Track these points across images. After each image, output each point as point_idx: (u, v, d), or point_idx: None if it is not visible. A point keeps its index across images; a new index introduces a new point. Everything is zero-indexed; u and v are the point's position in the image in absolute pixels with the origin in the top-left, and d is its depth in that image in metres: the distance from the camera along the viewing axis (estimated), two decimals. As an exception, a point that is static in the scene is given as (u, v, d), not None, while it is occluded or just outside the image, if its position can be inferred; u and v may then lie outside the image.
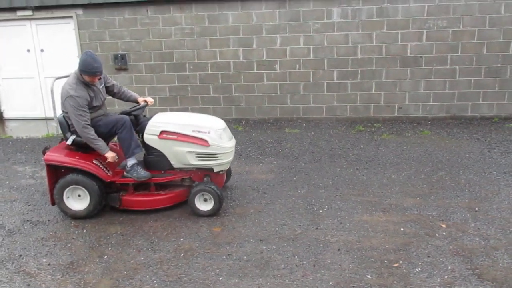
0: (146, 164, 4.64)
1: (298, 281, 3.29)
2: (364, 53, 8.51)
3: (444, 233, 3.89)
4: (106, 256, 3.75)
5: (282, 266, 3.49)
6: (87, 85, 4.40)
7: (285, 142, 7.10)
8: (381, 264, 3.45)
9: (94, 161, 4.48)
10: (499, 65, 8.23)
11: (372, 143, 6.88)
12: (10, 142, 7.63)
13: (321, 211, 4.47)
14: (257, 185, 5.24)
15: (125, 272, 3.49)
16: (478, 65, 8.29)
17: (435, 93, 8.49)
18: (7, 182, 5.70)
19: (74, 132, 4.51)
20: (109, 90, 4.81)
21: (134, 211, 4.53)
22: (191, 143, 4.42)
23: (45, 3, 8.90)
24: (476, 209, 4.36)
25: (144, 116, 4.83)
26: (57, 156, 4.43)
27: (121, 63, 8.99)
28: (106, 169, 4.51)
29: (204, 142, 4.41)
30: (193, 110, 8.95)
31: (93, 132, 4.33)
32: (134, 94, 4.86)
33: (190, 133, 4.44)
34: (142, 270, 3.51)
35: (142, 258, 3.69)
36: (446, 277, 3.25)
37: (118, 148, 5.00)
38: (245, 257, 3.65)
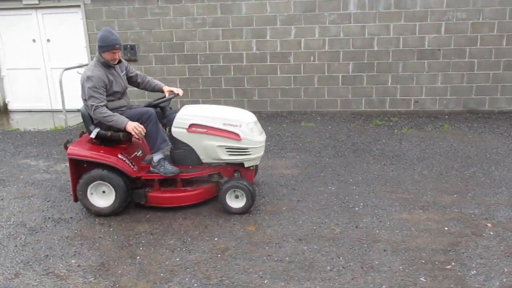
0: (172, 159, 4.42)
1: (348, 284, 3.11)
2: (380, 45, 8.31)
3: (491, 233, 3.72)
4: (138, 257, 3.54)
5: (328, 268, 3.30)
6: (107, 67, 4.21)
7: (303, 136, 6.90)
8: (433, 266, 3.28)
9: (120, 156, 4.26)
10: (519, 59, 8.04)
11: (393, 137, 6.70)
12: (19, 135, 7.37)
13: (357, 209, 4.28)
14: (284, 181, 5.04)
15: (162, 275, 3.29)
16: (497, 58, 8.13)
17: (452, 86, 8.33)
18: (21, 176, 5.46)
19: (97, 124, 4.27)
20: (133, 81, 4.58)
21: (160, 208, 4.33)
22: (222, 137, 4.21)
23: (52, -9, 8.61)
24: (518, 207, 4.20)
25: (170, 108, 4.59)
26: (81, 150, 4.20)
27: (130, 54, 8.73)
28: (132, 164, 4.29)
29: (235, 136, 4.20)
30: (204, 103, 8.72)
31: (105, 109, 4.10)
32: (159, 83, 4.64)
33: (221, 126, 4.22)
34: (179, 272, 3.31)
35: (178, 259, 3.49)
36: (504, 280, 3.08)
37: (140, 141, 4.78)
38: (287, 258, 3.46)
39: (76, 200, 4.35)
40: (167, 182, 4.48)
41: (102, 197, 4.29)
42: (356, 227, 3.93)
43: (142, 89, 4.66)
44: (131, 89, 4.73)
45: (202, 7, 8.45)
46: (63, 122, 7.98)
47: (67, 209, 4.49)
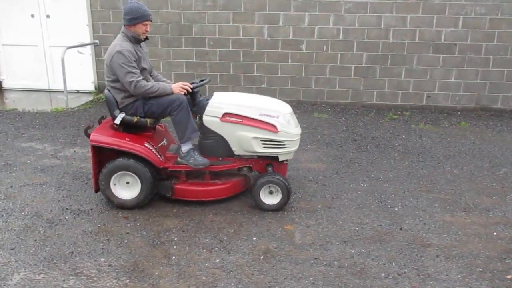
0: (201, 149, 4.12)
1: (408, 293, 2.88)
2: (396, 37, 8.08)
3: (544, 240, 3.55)
4: (174, 257, 3.26)
5: (383, 274, 3.08)
6: (135, 42, 3.93)
7: (320, 128, 6.66)
8: (492, 275, 3.09)
9: (146, 145, 3.93)
10: (535, 57, 7.92)
11: (412, 133, 6.51)
12: (18, 116, 6.93)
13: (396, 209, 4.07)
14: (312, 176, 4.80)
15: (204, 278, 3.02)
16: (513, 56, 7.97)
17: (466, 82, 8.17)
18: (28, 161, 5.08)
19: (123, 109, 3.93)
20: None
21: (186, 202, 4.05)
22: (258, 128, 3.93)
23: (55, -37, 8.09)
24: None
25: (200, 95, 4.28)
26: (105, 137, 3.87)
27: (134, 34, 8.25)
28: (158, 154, 3.97)
29: (272, 128, 3.93)
30: (211, 89, 8.38)
31: (145, 82, 3.82)
32: (167, 82, 4.27)
33: (257, 117, 3.94)
34: (222, 276, 3.04)
35: (217, 261, 3.22)
36: None
37: (164, 129, 4.46)
38: (335, 262, 3.22)
39: (97, 190, 4.02)
40: (192, 174, 4.18)
41: (126, 188, 3.98)
42: (401, 229, 3.72)
43: None
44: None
45: (214, -12, 8.06)
46: (64, 103, 7.55)
47: (85, 199, 4.15)
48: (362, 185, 4.60)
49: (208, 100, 4.08)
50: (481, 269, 3.18)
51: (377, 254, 3.33)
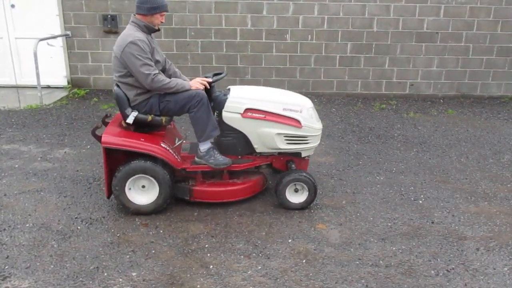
0: (219, 147, 3.88)
1: (464, 290, 2.81)
2: (380, 26, 8.07)
3: None
4: (211, 266, 3.03)
5: (433, 272, 3.00)
6: (148, 33, 3.66)
7: (315, 119, 6.51)
8: (538, 266, 3.07)
9: (162, 144, 3.64)
10: (510, 45, 8.16)
11: (405, 122, 6.53)
12: (-11, 115, 6.33)
13: (420, 202, 4.02)
14: (325, 170, 4.68)
15: None
16: (491, 44, 8.19)
17: (447, 70, 8.31)
18: (16, 166, 4.63)
19: (135, 107, 3.62)
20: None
21: (206, 205, 3.81)
22: (281, 123, 3.73)
23: None
24: None
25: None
26: (118, 139, 3.54)
27: (111, 25, 7.83)
28: (175, 154, 3.70)
29: (296, 123, 3.75)
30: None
31: (163, 77, 3.56)
32: (184, 79, 3.99)
33: (281, 111, 3.74)
34: (270, 285, 2.85)
35: (259, 267, 3.02)
36: None
37: (172, 127, 4.17)
38: (381, 261, 3.11)
39: (109, 196, 3.69)
40: (207, 174, 3.93)
41: (142, 193, 3.68)
42: (432, 222, 3.66)
43: None
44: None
45: (195, -25, 7.71)
46: (37, 99, 7.00)
47: (93, 206, 3.81)
48: (378, 178, 4.51)
49: (225, 95, 3.82)
50: (524, 260, 3.15)
51: (419, 251, 3.25)
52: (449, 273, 3.00)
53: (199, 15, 7.93)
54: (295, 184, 3.78)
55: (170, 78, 3.77)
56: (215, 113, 3.85)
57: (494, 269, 3.05)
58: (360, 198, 4.06)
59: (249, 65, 8.32)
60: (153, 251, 3.18)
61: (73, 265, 3.01)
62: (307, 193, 3.78)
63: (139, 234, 3.40)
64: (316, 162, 4.89)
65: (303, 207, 3.81)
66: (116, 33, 7.91)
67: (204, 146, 3.73)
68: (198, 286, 2.84)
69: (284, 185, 3.75)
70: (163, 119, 3.69)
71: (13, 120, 6.12)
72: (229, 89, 3.94)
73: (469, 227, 3.59)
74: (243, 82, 8.17)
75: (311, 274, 2.96)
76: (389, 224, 3.62)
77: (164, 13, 3.60)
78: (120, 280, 2.87)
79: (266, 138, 3.76)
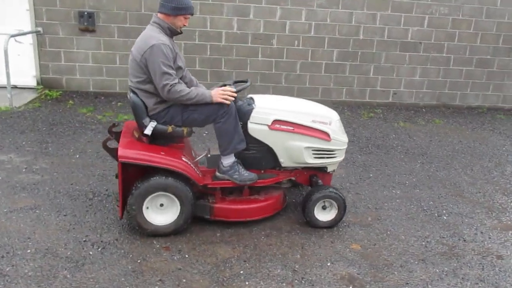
0: (241, 161, 3.58)
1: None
2: (366, 34, 8.05)
3: None
4: (254, 296, 2.73)
5: (486, 296, 2.86)
6: (171, 35, 3.32)
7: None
8: None
9: (184, 159, 3.30)
10: (489, 57, 8.41)
11: (399, 131, 6.51)
12: (-45, 119, 5.65)
13: (445, 218, 3.93)
14: (339, 183, 4.50)
15: (305, 320, 2.54)
16: (471, 55, 8.39)
17: (429, 80, 8.42)
18: (0, 177, 4.08)
19: (154, 117, 3.26)
20: None
21: (229, 224, 3.51)
22: (310, 136, 3.50)
23: None
24: None
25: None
26: (137, 153, 3.16)
27: (87, 23, 7.29)
28: (197, 169, 3.37)
29: (325, 136, 3.53)
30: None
31: (182, 86, 3.22)
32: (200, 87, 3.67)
33: (310, 124, 3.51)
34: (323, 315, 2.59)
35: (306, 296, 2.75)
36: None
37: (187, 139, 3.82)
38: (430, 286, 2.94)
39: (122, 216, 3.29)
40: (226, 190, 3.63)
41: (160, 212, 3.30)
42: (464, 240, 3.55)
43: None
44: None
45: (181, -26, 7.30)
46: (7, 101, 6.36)
47: (101, 226, 3.40)
48: (394, 192, 4.38)
49: (249, 104, 3.53)
50: None
51: (463, 273, 3.12)
52: (501, 297, 2.86)
53: (183, 16, 7.51)
54: (323, 201, 3.55)
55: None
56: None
57: (543, 291, 2.95)
58: (384, 214, 3.90)
59: (234, 70, 8.04)
60: (184, 280, 2.84)
61: (95, 300, 2.60)
62: (336, 210, 3.57)
63: (162, 260, 3.03)
64: (326, 175, 4.67)
65: (331, 225, 3.59)
66: (93, 31, 7.39)
67: (228, 160, 3.43)
68: (246, 321, 2.52)
69: (313, 203, 3.51)
70: (185, 130, 3.35)
71: (-17, 125, 5.49)
72: (251, 98, 3.65)
73: (501, 245, 3.51)
74: (228, 87, 7.84)
75: (363, 303, 2.72)
76: (423, 243, 3.47)
77: (189, 16, 3.26)
78: (156, 316, 2.51)
79: (294, 151, 3.51)
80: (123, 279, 2.81)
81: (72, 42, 7.40)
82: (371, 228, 3.64)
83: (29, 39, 7.21)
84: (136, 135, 3.43)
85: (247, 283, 2.86)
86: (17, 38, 7.08)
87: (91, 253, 3.07)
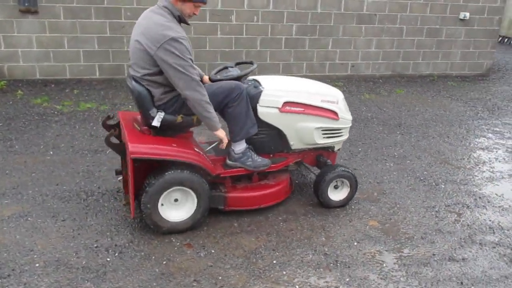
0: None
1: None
2: (324, 7, 8.05)
3: None
4: (297, 287, 2.66)
5: None
6: (180, 24, 3.01)
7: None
8: None
9: (196, 149, 3.11)
10: (438, 26, 8.76)
11: (368, 103, 6.65)
12: None
13: (442, 186, 4.10)
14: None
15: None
16: (422, 25, 8.69)
17: (384, 51, 8.64)
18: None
19: (161, 107, 3.01)
20: None
21: (243, 212, 3.37)
22: (320, 116, 3.44)
23: None
24: None
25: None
26: (149, 148, 2.92)
27: (28, 3, 6.63)
28: (208, 159, 3.19)
29: (333, 115, 3.48)
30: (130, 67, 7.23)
31: (211, 105, 2.97)
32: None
33: (319, 104, 3.43)
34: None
35: (348, 279, 2.76)
36: None
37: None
38: (459, 256, 3.03)
39: (134, 215, 3.05)
40: (233, 178, 3.49)
41: (176, 208, 3.10)
42: (468, 207, 3.70)
43: None
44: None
45: None
46: None
47: (108, 229, 3.13)
48: (388, 165, 4.48)
49: (256, 87, 3.38)
50: None
51: (479, 239, 3.26)
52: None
53: (135, -7, 7.06)
54: (336, 181, 3.52)
55: None
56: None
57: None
58: (387, 188, 3.96)
59: (193, 49, 7.66)
60: (220, 278, 2.70)
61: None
62: (348, 189, 3.56)
63: (189, 258, 2.86)
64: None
65: (343, 204, 3.58)
66: (35, 12, 6.71)
67: (239, 147, 3.27)
68: (298, 312, 2.45)
69: (327, 183, 3.46)
70: (194, 118, 3.13)
71: None
72: (255, 80, 3.48)
73: (501, 207, 3.69)
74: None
75: (403, 280, 2.75)
76: (433, 213, 3.57)
77: (201, 4, 2.97)
78: (205, 320, 2.36)
79: (305, 133, 3.42)
80: (154, 283, 2.61)
81: (12, 26, 6.70)
82: (380, 203, 3.67)
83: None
84: (138, 128, 3.15)
85: (284, 272, 2.77)
86: None
87: (108, 259, 2.81)
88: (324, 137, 3.50)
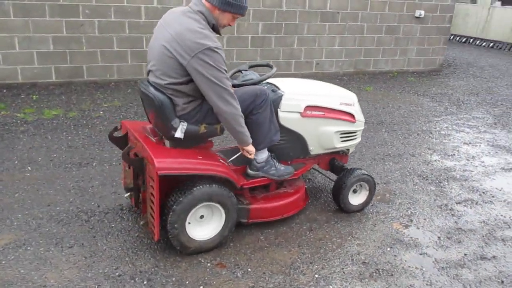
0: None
1: None
2: (289, 5, 8.01)
3: None
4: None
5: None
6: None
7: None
8: None
9: (221, 161, 2.89)
10: (395, 24, 9.03)
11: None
12: None
13: (446, 183, 4.12)
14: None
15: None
16: (381, 23, 8.91)
17: (347, 49, 8.77)
18: None
19: (183, 117, 2.76)
20: None
21: (253, 225, 3.18)
22: (339, 120, 3.34)
23: None
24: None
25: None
26: (177, 162, 2.66)
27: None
28: (232, 171, 2.99)
29: (351, 118, 3.40)
30: (90, 69, 6.80)
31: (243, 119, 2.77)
32: None
33: (338, 106, 3.33)
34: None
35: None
36: None
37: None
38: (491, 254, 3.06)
39: (159, 238, 2.76)
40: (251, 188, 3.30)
41: (202, 225, 2.86)
42: (483, 192, 3.78)
43: None
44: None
45: None
46: None
47: (126, 254, 2.82)
48: (388, 164, 4.49)
49: (274, 91, 3.20)
50: None
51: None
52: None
53: (94, -11, 6.58)
54: (356, 185, 3.43)
55: None
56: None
57: None
58: (395, 188, 3.95)
59: (157, 49, 7.29)
60: (270, 299, 2.50)
61: None
62: (367, 192, 3.49)
63: (226, 280, 2.63)
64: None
65: (362, 208, 3.50)
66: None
67: (262, 155, 3.07)
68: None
69: (348, 187, 3.36)
70: (217, 128, 2.89)
71: None
72: (272, 84, 3.30)
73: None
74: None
75: (447, 284, 2.71)
76: (448, 211, 3.60)
77: (239, 16, 2.73)
78: None
79: (325, 137, 3.30)
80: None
81: (-45, 25, 5.97)
82: (395, 205, 3.64)
83: None
84: (153, 140, 2.86)
85: (331, 287, 2.62)
86: None
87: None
88: (341, 141, 3.39)
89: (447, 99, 7.12)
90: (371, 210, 3.51)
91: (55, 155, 4.18)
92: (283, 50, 8.16)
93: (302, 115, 3.15)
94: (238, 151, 3.08)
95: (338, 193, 3.37)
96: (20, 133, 4.66)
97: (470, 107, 6.66)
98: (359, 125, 3.45)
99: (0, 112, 5.25)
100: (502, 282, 2.75)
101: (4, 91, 6.06)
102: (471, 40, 14.28)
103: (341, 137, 3.37)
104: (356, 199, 3.47)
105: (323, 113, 3.22)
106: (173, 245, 2.74)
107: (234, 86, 3.02)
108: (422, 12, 8.95)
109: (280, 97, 3.11)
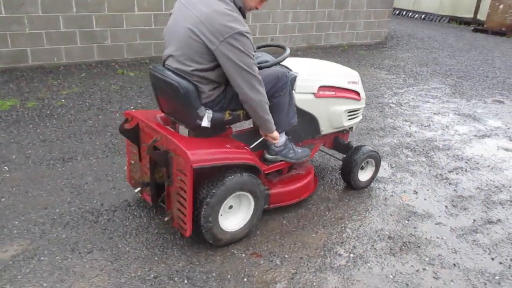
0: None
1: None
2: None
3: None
4: (395, 276, 2.61)
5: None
6: None
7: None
8: None
9: (246, 148, 2.80)
10: (342, -3, 9.16)
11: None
12: None
13: (434, 154, 4.32)
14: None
15: None
16: (330, -4, 9.00)
17: (300, 24, 8.81)
18: None
19: (208, 104, 2.62)
20: None
21: (272, 210, 3.14)
22: (348, 98, 3.35)
23: None
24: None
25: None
26: (209, 154, 2.51)
27: None
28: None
29: (357, 96, 3.43)
30: (35, 52, 6.27)
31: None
32: None
33: (346, 85, 3.33)
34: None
35: (437, 260, 2.77)
36: None
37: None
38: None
39: (190, 233, 2.63)
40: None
41: (230, 216, 2.76)
42: (476, 168, 4.00)
43: None
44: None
45: None
46: None
47: (154, 253, 2.65)
48: (374, 139, 4.58)
49: (288, 72, 3.11)
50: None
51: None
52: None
53: (36, -36, 5.97)
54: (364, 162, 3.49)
55: None
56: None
57: None
58: (391, 162, 4.06)
59: (108, 28, 6.90)
60: (315, 284, 2.48)
61: None
62: (373, 168, 3.55)
63: (267, 269, 2.57)
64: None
65: (369, 184, 3.58)
66: None
67: (281, 139, 3.00)
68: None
69: (358, 165, 3.41)
70: (241, 113, 2.77)
71: None
72: (283, 65, 3.21)
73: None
74: (102, 49, 6.75)
75: (469, 249, 2.87)
76: (445, 180, 3.77)
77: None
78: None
79: (336, 117, 3.29)
80: (253, 308, 2.28)
81: None
82: (396, 179, 3.76)
83: None
84: (172, 129, 2.69)
85: (369, 265, 2.66)
86: None
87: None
88: (348, 119, 3.40)
89: (402, 71, 7.41)
90: (377, 186, 3.58)
91: (30, 151, 3.79)
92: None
93: (316, 95, 3.10)
94: (248, 135, 2.98)
95: (349, 171, 3.39)
96: (-20, 128, 4.16)
97: (426, 78, 6.99)
98: (363, 102, 3.47)
99: None
100: (514, 243, 2.94)
101: None
102: (404, 12, 14.92)
103: (349, 116, 3.37)
104: (363, 175, 3.52)
105: (334, 92, 3.19)
106: (201, 239, 2.61)
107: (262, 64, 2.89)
108: (369, -14, 9.13)
109: (294, 79, 3.02)
